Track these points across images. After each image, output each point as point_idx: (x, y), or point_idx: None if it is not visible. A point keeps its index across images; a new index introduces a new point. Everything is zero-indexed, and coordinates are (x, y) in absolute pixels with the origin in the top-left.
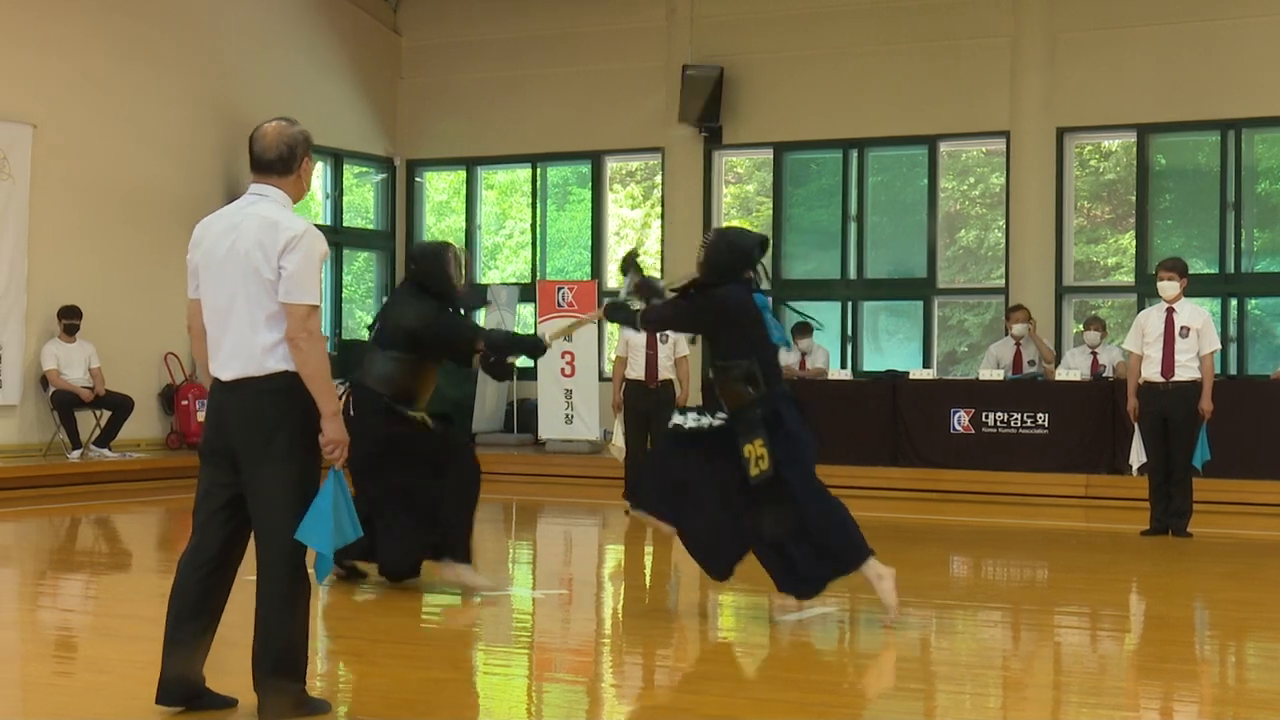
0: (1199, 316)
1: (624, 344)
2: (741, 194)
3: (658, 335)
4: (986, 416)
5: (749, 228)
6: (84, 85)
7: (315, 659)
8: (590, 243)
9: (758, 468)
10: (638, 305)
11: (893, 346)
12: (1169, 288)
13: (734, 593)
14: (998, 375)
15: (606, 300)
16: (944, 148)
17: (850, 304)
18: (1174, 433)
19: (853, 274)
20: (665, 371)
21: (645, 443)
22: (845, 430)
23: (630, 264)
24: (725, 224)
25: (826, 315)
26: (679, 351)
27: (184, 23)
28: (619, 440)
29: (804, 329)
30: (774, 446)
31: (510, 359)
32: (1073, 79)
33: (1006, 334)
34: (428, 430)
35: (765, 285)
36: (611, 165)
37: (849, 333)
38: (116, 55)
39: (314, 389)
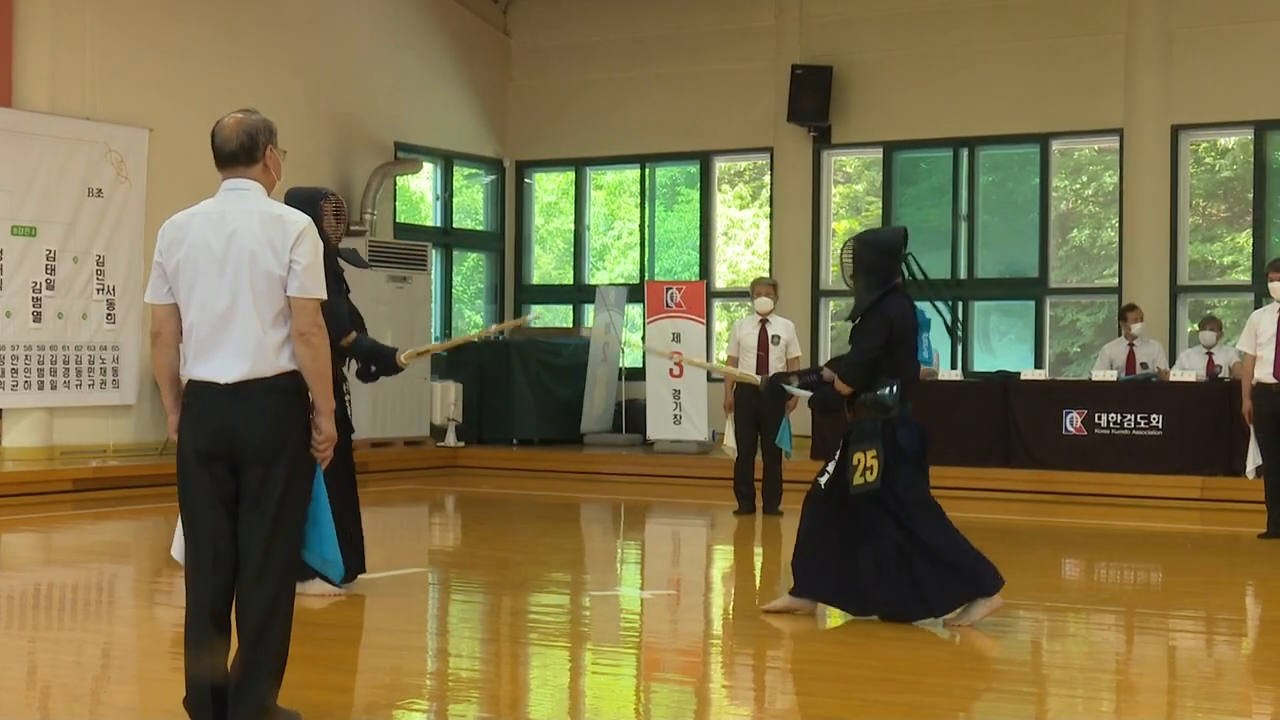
0: None
1: (735, 344)
2: (850, 194)
3: (770, 336)
4: (1100, 418)
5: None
6: (198, 89)
7: (425, 657)
8: (699, 243)
9: (863, 477)
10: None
11: (1004, 347)
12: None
13: None
14: (1111, 376)
15: (771, 376)
16: (1056, 146)
17: (961, 304)
18: None
19: (963, 273)
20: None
21: (755, 443)
22: (956, 431)
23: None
24: (838, 224)
25: (936, 315)
26: (791, 352)
27: (295, 27)
28: (730, 440)
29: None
30: (887, 462)
31: (373, 369)
32: (1188, 76)
33: (1120, 334)
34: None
35: (919, 276)
36: (720, 165)
37: (959, 333)
38: (230, 60)
39: (318, 386)
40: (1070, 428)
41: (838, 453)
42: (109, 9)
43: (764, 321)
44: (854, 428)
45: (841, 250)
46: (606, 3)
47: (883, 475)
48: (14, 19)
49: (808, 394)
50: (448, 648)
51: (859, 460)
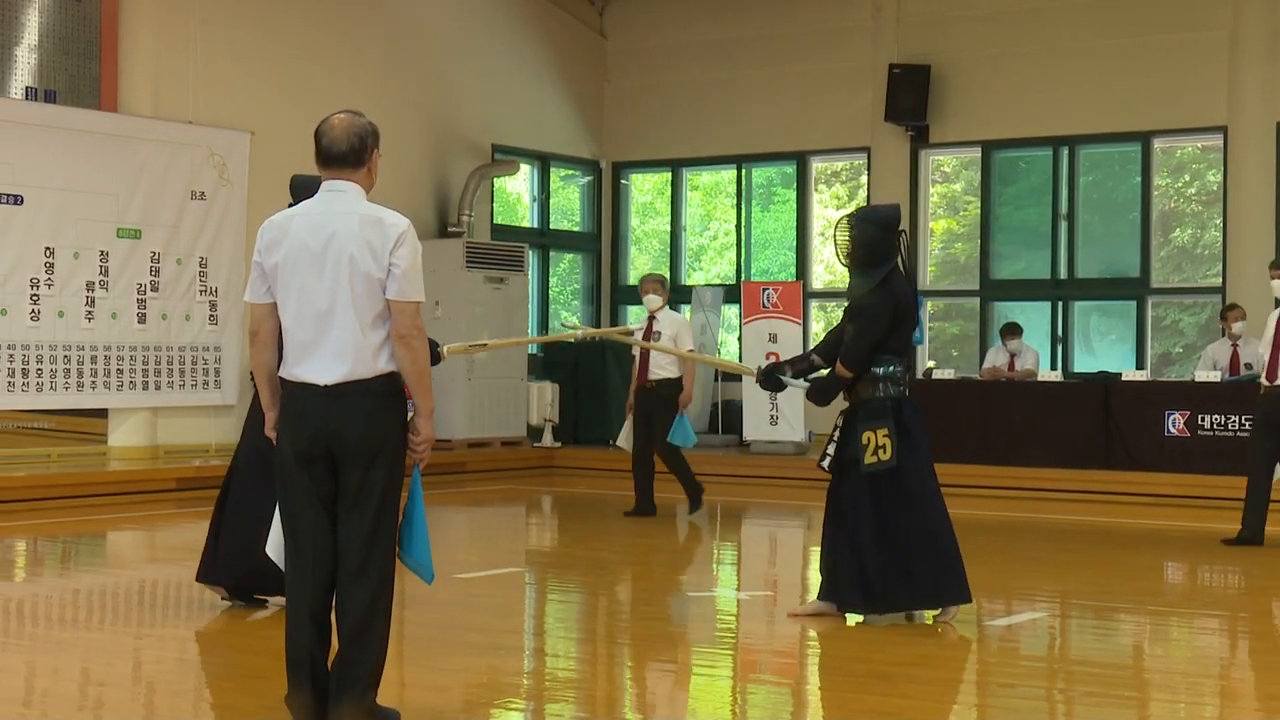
0: None
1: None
2: (948, 193)
3: (652, 334)
4: (1203, 419)
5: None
6: (298, 94)
7: (522, 657)
8: (795, 243)
9: (875, 456)
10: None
11: (1104, 347)
12: None
13: None
14: (1214, 377)
15: (764, 366)
16: (1158, 144)
17: (1061, 304)
18: None
19: (1063, 274)
20: (660, 370)
21: (648, 443)
22: (1055, 432)
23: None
24: (936, 224)
25: (1036, 316)
26: (683, 347)
27: (393, 30)
28: (624, 440)
29: (1013, 329)
30: (899, 441)
31: None
32: None
33: (1223, 335)
34: None
35: (904, 259)
36: (817, 165)
37: (1059, 333)
38: (329, 64)
39: (419, 386)
40: (1173, 429)
41: (835, 432)
42: (211, 15)
43: (651, 319)
44: (860, 406)
45: (835, 229)
46: (702, 3)
47: (897, 454)
48: (119, 26)
49: (804, 385)
50: (544, 647)
51: (869, 439)
